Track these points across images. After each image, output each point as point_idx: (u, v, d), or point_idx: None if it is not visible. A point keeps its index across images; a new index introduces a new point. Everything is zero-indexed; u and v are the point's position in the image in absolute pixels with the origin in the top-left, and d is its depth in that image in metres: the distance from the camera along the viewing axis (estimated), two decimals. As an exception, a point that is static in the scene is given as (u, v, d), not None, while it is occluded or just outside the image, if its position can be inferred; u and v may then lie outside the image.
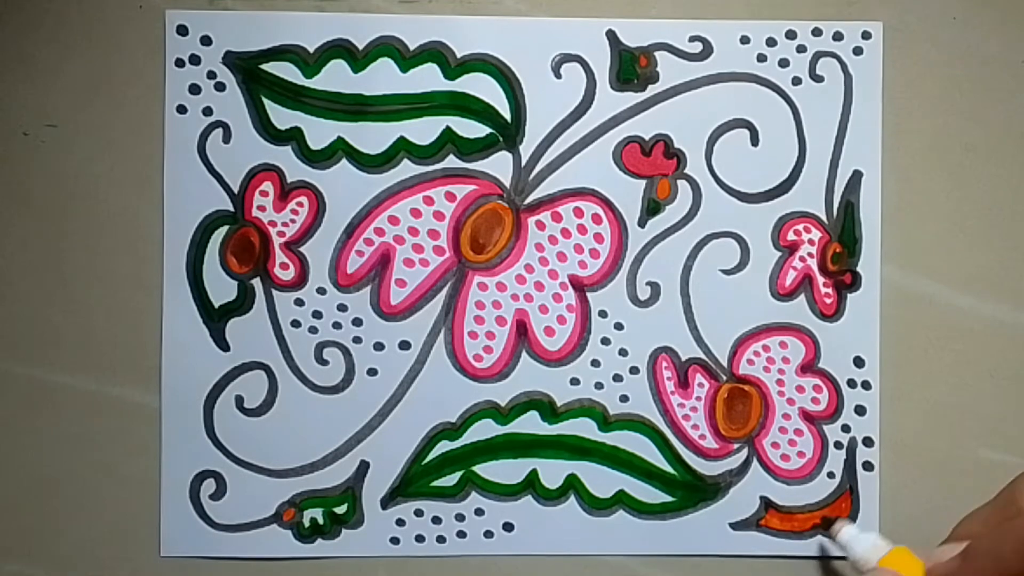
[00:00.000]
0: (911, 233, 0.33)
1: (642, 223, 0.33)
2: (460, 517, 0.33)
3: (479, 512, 0.33)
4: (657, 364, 0.33)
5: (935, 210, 0.33)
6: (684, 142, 0.33)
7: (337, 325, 0.33)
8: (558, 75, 0.33)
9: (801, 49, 0.33)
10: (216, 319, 0.33)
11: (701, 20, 0.33)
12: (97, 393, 0.33)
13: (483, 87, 0.33)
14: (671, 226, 0.33)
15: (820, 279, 0.33)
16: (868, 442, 0.33)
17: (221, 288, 0.33)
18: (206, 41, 0.33)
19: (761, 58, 0.33)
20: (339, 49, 0.33)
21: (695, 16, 0.33)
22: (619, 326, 0.33)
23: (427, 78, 0.33)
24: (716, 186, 0.33)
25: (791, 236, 0.33)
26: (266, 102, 0.33)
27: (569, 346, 0.33)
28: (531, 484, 0.33)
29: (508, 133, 0.33)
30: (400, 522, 0.33)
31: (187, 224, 0.33)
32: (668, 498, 0.33)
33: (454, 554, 0.33)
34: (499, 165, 0.33)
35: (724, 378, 0.33)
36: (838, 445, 0.33)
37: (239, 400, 0.33)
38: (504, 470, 0.33)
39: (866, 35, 0.33)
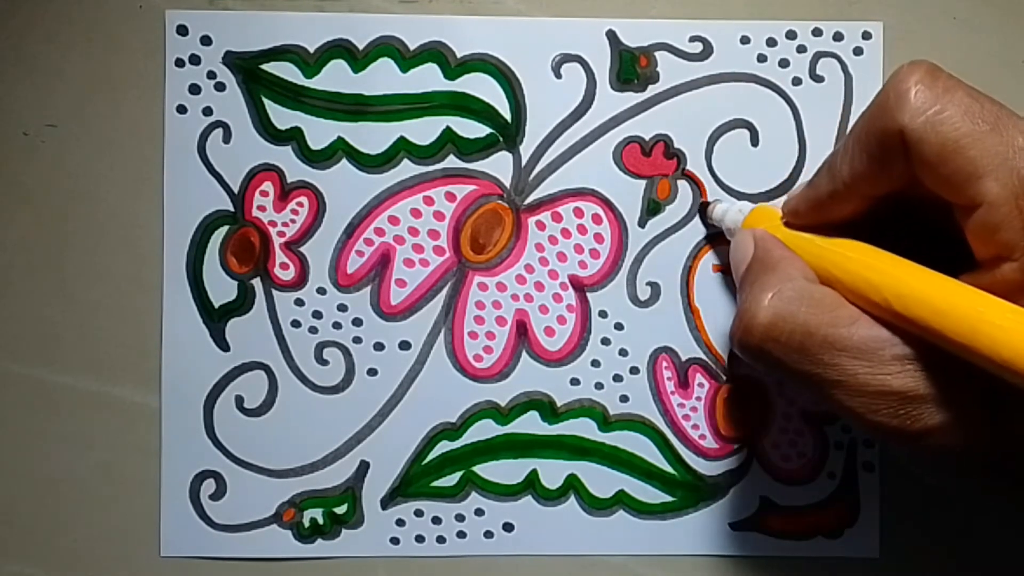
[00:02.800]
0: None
1: (642, 223, 0.33)
2: (460, 517, 0.33)
3: (479, 512, 0.33)
4: (657, 364, 0.33)
5: (935, 210, 0.33)
6: (684, 142, 0.33)
7: (337, 325, 0.33)
8: (558, 75, 0.33)
9: (801, 49, 0.33)
10: (216, 319, 0.33)
11: (701, 20, 0.33)
12: (97, 393, 0.33)
13: (483, 87, 0.33)
14: (671, 226, 0.33)
15: (820, 279, 0.33)
16: (868, 442, 0.33)
17: (221, 288, 0.33)
18: (206, 41, 0.33)
19: (761, 58, 0.33)
20: (339, 49, 0.33)
21: (695, 16, 0.33)
22: (619, 326, 0.33)
23: (427, 78, 0.33)
24: (716, 186, 0.33)
25: (791, 236, 0.33)
26: (266, 102, 0.33)
27: (569, 346, 0.33)
28: (531, 484, 0.33)
29: (508, 133, 0.33)
30: (400, 522, 0.33)
31: (187, 224, 0.33)
32: (668, 498, 0.33)
33: (454, 554, 0.33)
34: (499, 165, 0.33)
35: (724, 378, 0.33)
36: (838, 446, 0.33)
37: (239, 400, 0.33)
38: (504, 470, 0.33)
39: (866, 35, 0.33)
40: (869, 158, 0.24)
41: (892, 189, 0.25)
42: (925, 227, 0.25)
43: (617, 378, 0.33)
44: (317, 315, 0.33)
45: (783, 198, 0.30)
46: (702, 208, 0.33)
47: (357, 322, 0.33)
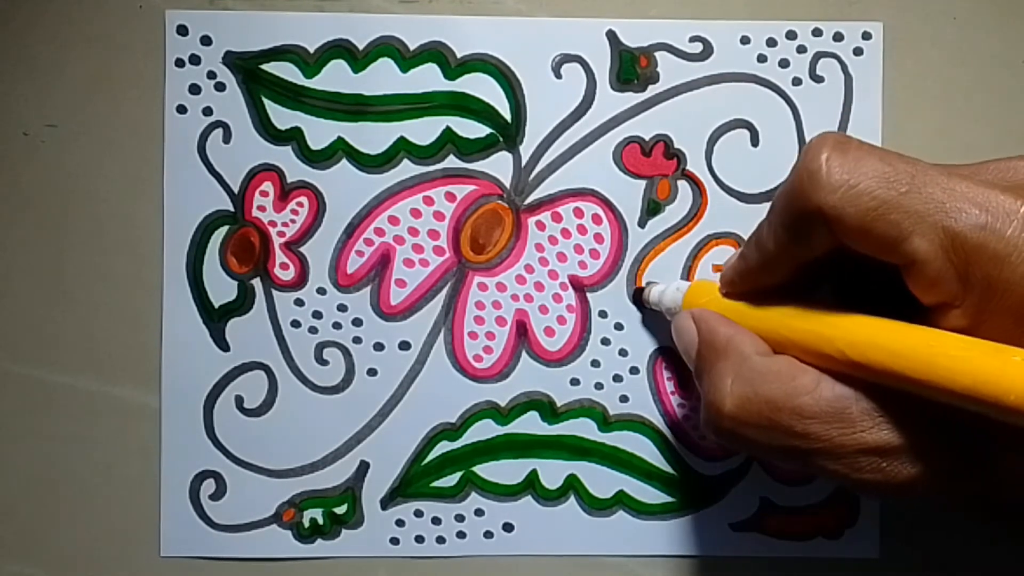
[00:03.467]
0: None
1: (642, 223, 0.33)
2: (460, 517, 0.33)
3: (479, 512, 0.33)
4: (657, 365, 0.33)
5: (935, 210, 0.33)
6: (684, 142, 0.33)
7: (337, 325, 0.33)
8: (558, 75, 0.33)
9: (801, 49, 0.33)
10: (216, 319, 0.33)
11: (701, 20, 0.33)
12: (97, 393, 0.33)
13: (483, 87, 0.33)
14: (671, 226, 0.33)
15: (820, 279, 0.33)
16: (868, 442, 0.33)
17: (221, 288, 0.33)
18: (206, 41, 0.33)
19: (761, 58, 0.33)
20: (339, 49, 0.33)
21: (695, 16, 0.33)
22: (619, 326, 0.33)
23: (427, 78, 0.33)
24: (716, 186, 0.33)
25: (791, 236, 0.33)
26: (266, 102, 0.33)
27: (569, 346, 0.33)
28: (531, 484, 0.33)
29: (508, 133, 0.33)
30: (400, 522, 0.33)
31: (187, 224, 0.33)
32: (668, 498, 0.33)
33: (454, 554, 0.33)
34: (499, 165, 0.33)
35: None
36: (838, 445, 0.33)
37: (239, 400, 0.33)
38: (504, 470, 0.33)
39: (866, 35, 0.33)
40: (793, 234, 0.24)
41: (821, 254, 0.25)
42: (872, 277, 0.25)
43: (617, 378, 0.33)
44: (317, 315, 0.33)
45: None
46: (637, 294, 0.33)
47: (357, 322, 0.33)
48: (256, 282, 0.33)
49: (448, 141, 0.33)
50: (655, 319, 0.33)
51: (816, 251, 0.25)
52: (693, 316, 0.28)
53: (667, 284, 0.32)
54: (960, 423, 0.23)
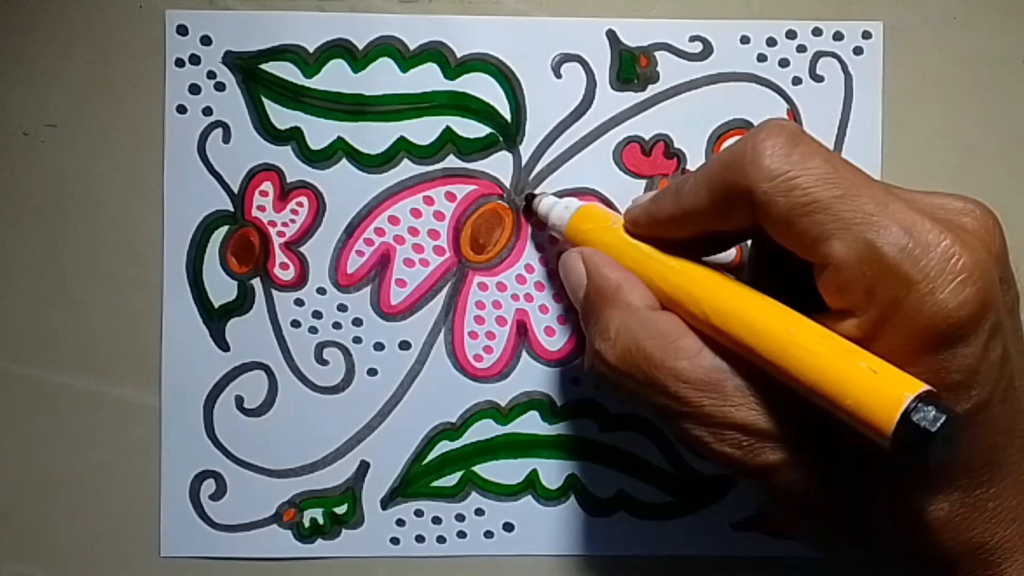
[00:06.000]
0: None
1: (642, 223, 0.33)
2: (460, 517, 0.33)
3: (479, 512, 0.33)
4: (657, 364, 0.33)
5: (935, 210, 0.33)
6: (684, 142, 0.33)
7: (337, 325, 0.33)
8: (558, 75, 0.33)
9: (801, 49, 0.33)
10: (216, 319, 0.33)
11: (701, 20, 0.33)
12: (97, 393, 0.33)
13: (483, 87, 0.33)
14: (671, 226, 0.33)
15: (820, 279, 0.33)
16: (868, 442, 0.33)
17: (221, 288, 0.33)
18: (206, 41, 0.33)
19: (761, 58, 0.33)
20: (339, 49, 0.33)
21: (695, 16, 0.33)
22: (619, 326, 0.33)
23: (427, 78, 0.33)
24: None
25: (791, 236, 0.33)
26: (266, 102, 0.33)
27: (569, 346, 0.33)
28: (531, 484, 0.33)
29: (508, 133, 0.33)
30: (400, 522, 0.33)
31: (187, 224, 0.33)
32: (668, 498, 0.33)
33: (454, 554, 0.33)
34: (499, 165, 0.33)
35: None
36: (838, 445, 0.33)
37: (239, 400, 0.33)
38: (504, 470, 0.33)
39: (866, 35, 0.33)
40: (714, 202, 0.25)
41: (732, 231, 0.25)
42: (786, 261, 0.25)
43: (617, 378, 0.33)
44: (317, 315, 0.33)
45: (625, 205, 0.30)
46: (528, 199, 0.33)
47: (357, 322, 0.33)
48: (256, 282, 0.33)
49: (448, 141, 0.33)
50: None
51: (733, 226, 0.25)
52: (583, 256, 0.28)
53: (555, 200, 0.31)
54: (846, 449, 0.23)
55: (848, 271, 0.22)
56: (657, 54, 0.33)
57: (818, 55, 0.33)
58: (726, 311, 0.24)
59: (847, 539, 0.24)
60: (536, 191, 0.33)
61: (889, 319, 0.22)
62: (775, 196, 0.23)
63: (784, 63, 0.33)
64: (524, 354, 0.33)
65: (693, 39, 0.33)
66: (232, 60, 0.33)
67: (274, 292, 0.33)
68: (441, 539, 0.33)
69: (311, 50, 0.33)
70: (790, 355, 0.22)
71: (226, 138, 0.33)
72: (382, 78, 0.33)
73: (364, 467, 0.33)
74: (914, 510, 0.23)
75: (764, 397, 0.24)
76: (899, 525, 0.23)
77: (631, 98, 0.33)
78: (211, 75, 0.33)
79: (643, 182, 0.33)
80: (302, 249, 0.33)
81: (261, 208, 0.33)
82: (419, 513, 0.33)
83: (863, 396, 0.21)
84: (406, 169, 0.33)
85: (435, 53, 0.33)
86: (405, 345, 0.33)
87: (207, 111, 0.33)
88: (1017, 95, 0.34)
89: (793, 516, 0.25)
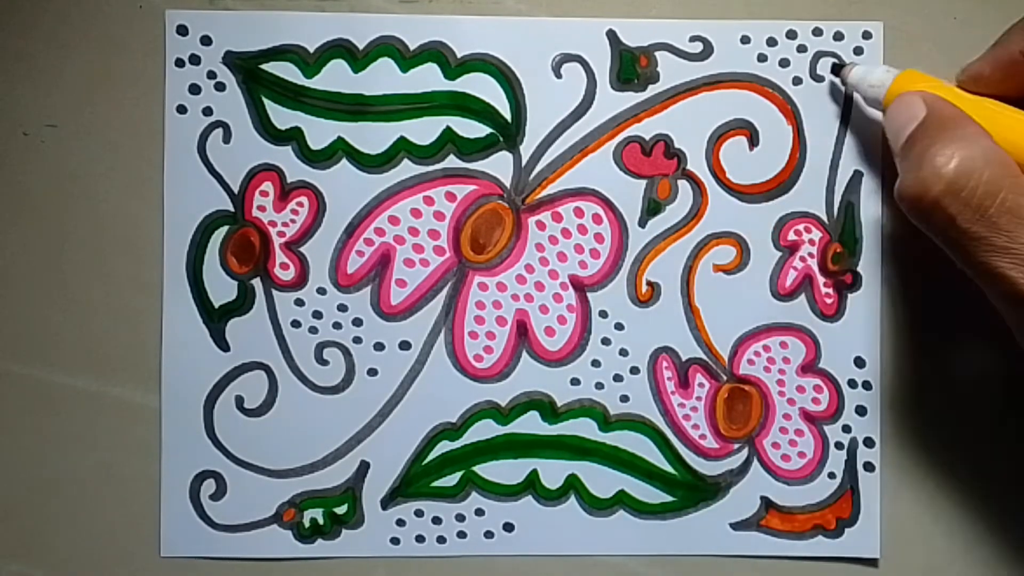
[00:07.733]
0: (911, 233, 0.33)
1: (642, 223, 0.33)
2: (460, 517, 0.33)
3: (479, 512, 0.33)
4: (657, 364, 0.33)
5: (935, 210, 0.33)
6: (684, 142, 0.33)
7: (337, 325, 0.33)
8: (558, 75, 0.33)
9: (802, 49, 0.33)
10: (216, 319, 0.33)
11: (701, 20, 0.33)
12: (97, 393, 0.33)
13: (483, 87, 0.33)
14: (671, 226, 0.33)
15: (820, 279, 0.33)
16: (869, 443, 0.33)
17: (221, 288, 0.33)
18: (206, 41, 0.33)
19: (762, 58, 0.33)
20: (339, 49, 0.33)
21: (695, 16, 0.33)
22: (619, 326, 0.33)
23: (427, 78, 0.33)
24: (717, 186, 0.33)
25: (791, 236, 0.33)
26: (266, 102, 0.33)
27: (569, 346, 0.33)
28: (531, 484, 0.33)
29: (508, 133, 0.33)
30: (400, 522, 0.33)
31: (187, 224, 0.33)
32: (668, 498, 0.33)
33: (454, 554, 0.33)
34: (499, 165, 0.33)
35: (724, 378, 0.33)
36: (839, 446, 0.33)
37: (239, 400, 0.33)
38: (504, 470, 0.33)
39: (866, 35, 0.33)
40: None
41: None
42: None
43: (617, 378, 0.33)
44: (317, 315, 0.33)
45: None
46: (835, 70, 0.32)
47: (357, 322, 0.33)
48: (256, 282, 0.33)
49: (448, 141, 0.33)
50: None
51: None
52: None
53: (873, 67, 0.31)
54: None
55: None
56: (657, 54, 0.33)
57: (818, 55, 0.33)
58: None
59: None
60: (845, 62, 0.32)
61: None
62: None
63: (784, 63, 0.33)
64: (524, 354, 0.33)
65: (693, 39, 0.33)
66: (232, 60, 0.33)
67: (274, 292, 0.33)
68: (441, 539, 0.33)
69: (311, 50, 0.33)
70: None
71: (226, 138, 0.33)
72: (382, 78, 0.33)
73: (364, 467, 0.33)
74: None
75: None
76: None
77: (631, 98, 0.33)
78: (211, 75, 0.33)
79: (643, 182, 0.33)
80: (302, 249, 0.33)
81: (261, 208, 0.33)
82: (419, 513, 0.33)
83: None
84: (406, 169, 0.33)
85: (435, 53, 0.33)
86: (405, 345, 0.33)
87: (207, 111, 0.33)
88: (1017, 95, 0.34)
89: None
